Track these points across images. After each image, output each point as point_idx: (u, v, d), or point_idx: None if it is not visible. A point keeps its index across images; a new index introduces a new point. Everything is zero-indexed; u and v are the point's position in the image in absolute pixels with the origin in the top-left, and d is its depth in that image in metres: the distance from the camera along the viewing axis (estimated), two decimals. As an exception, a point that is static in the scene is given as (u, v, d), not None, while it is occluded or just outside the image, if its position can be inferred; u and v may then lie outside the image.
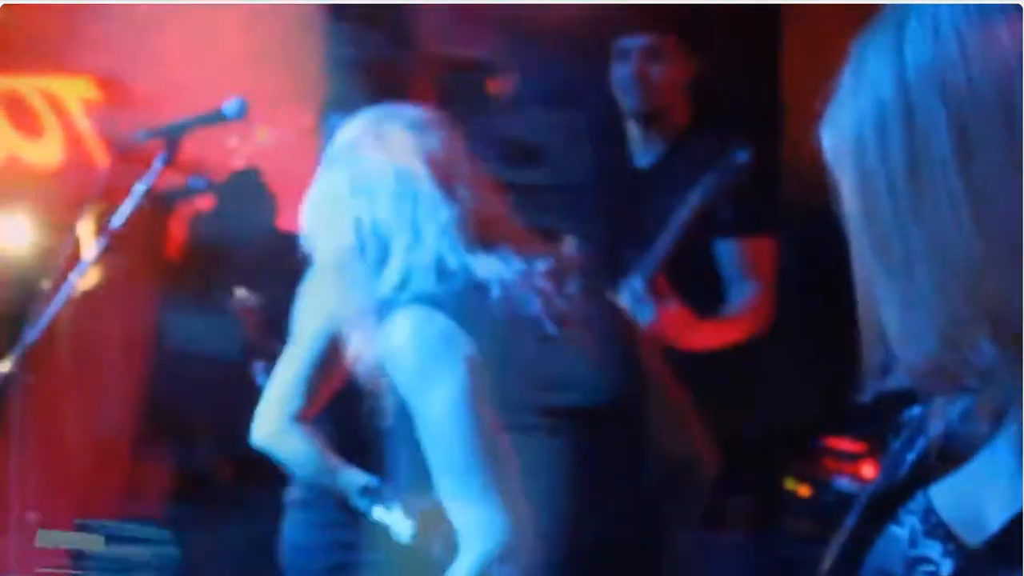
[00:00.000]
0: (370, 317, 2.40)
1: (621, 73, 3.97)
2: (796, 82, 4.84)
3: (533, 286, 2.44)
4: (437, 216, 2.41)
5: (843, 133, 1.21)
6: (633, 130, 4.01)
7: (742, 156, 3.66)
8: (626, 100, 3.99)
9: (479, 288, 2.39)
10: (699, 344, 3.70)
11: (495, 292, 2.41)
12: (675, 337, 3.63)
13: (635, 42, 3.96)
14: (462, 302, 2.37)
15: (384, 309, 2.38)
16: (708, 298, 3.83)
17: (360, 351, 2.44)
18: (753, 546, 4.17)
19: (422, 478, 2.36)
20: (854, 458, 4.19)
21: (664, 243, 3.68)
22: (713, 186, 3.66)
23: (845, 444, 4.23)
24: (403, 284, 2.38)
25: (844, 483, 4.14)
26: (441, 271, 2.38)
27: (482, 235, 2.44)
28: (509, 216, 2.55)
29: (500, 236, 2.47)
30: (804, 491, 4.27)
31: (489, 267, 2.41)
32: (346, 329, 2.47)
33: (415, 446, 2.35)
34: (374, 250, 2.41)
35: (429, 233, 2.40)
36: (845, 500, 4.03)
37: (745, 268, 3.86)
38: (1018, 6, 1.16)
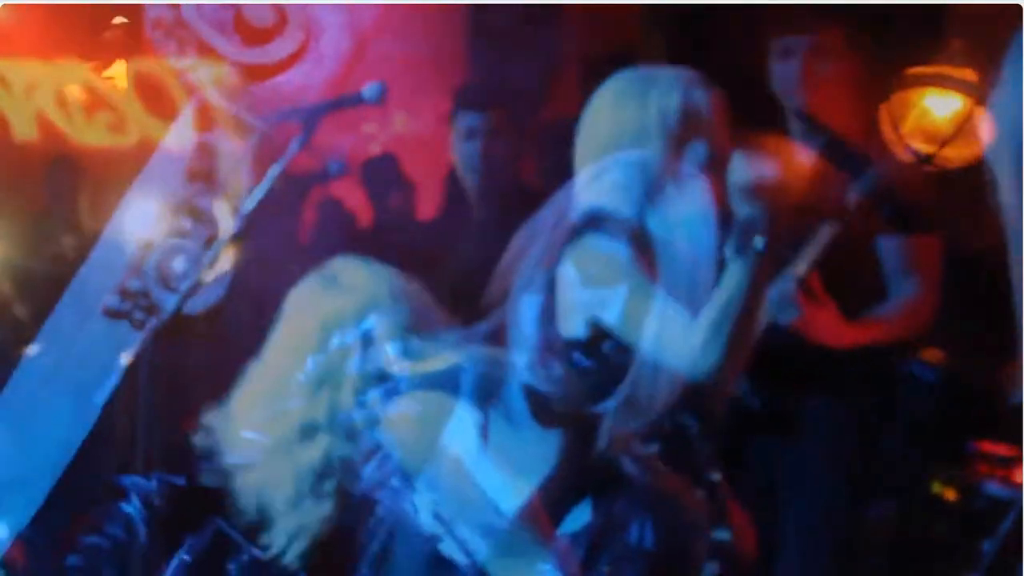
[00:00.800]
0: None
1: (784, 72, 3.81)
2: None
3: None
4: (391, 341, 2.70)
5: (1002, 126, 1.15)
6: (794, 124, 3.86)
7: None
8: (789, 99, 3.83)
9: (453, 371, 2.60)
10: (847, 343, 3.61)
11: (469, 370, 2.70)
12: (820, 336, 3.56)
13: (800, 40, 3.80)
14: (447, 381, 2.55)
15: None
16: (867, 296, 3.72)
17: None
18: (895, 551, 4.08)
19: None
20: (1007, 462, 4.06)
21: (820, 240, 3.57)
22: (878, 181, 3.55)
23: (998, 448, 4.10)
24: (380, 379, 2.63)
25: (995, 488, 4.00)
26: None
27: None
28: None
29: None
30: (951, 495, 4.15)
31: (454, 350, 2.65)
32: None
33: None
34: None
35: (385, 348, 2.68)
36: (997, 505, 3.92)
37: (907, 267, 3.73)
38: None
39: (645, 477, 2.83)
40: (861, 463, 3.73)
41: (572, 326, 2.85)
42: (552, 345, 2.84)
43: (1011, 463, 4.06)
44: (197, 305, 3.96)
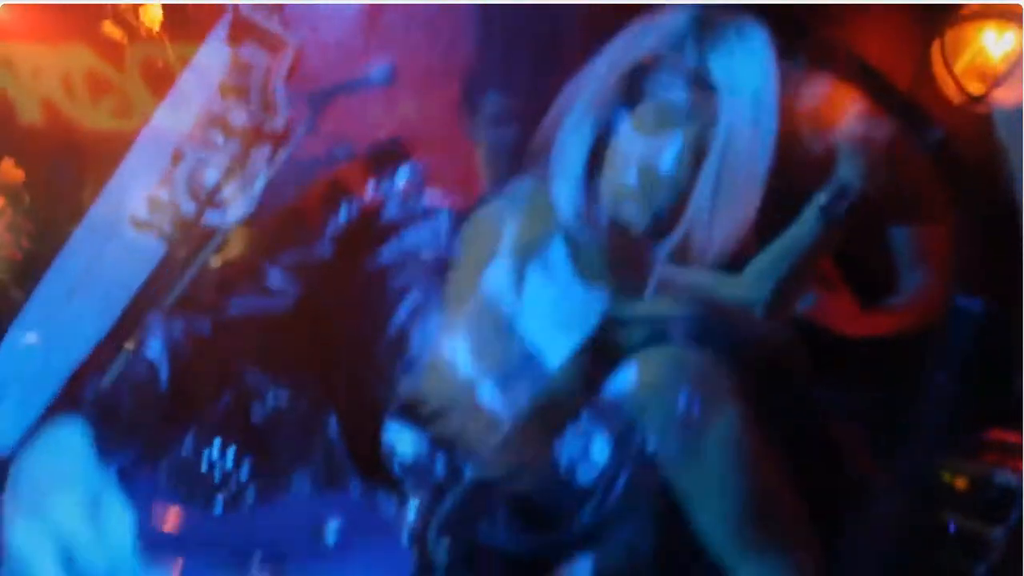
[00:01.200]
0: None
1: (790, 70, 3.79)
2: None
3: None
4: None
5: (1016, 104, 1.12)
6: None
7: (934, 135, 3.52)
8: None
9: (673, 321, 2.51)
10: (861, 332, 3.61)
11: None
12: (835, 324, 3.56)
13: (806, 40, 3.78)
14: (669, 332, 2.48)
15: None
16: (880, 285, 3.72)
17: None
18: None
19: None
20: (1017, 451, 4.04)
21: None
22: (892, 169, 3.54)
23: (1009, 436, 4.08)
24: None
25: (1006, 477, 3.99)
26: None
27: None
28: None
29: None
30: (961, 484, 4.14)
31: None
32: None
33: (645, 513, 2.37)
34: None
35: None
36: (1007, 495, 3.90)
37: (919, 256, 3.73)
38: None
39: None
40: (869, 453, 3.72)
41: (623, 175, 2.74)
42: (599, 192, 2.73)
43: (1020, 452, 4.04)
44: (223, 217, 3.91)
